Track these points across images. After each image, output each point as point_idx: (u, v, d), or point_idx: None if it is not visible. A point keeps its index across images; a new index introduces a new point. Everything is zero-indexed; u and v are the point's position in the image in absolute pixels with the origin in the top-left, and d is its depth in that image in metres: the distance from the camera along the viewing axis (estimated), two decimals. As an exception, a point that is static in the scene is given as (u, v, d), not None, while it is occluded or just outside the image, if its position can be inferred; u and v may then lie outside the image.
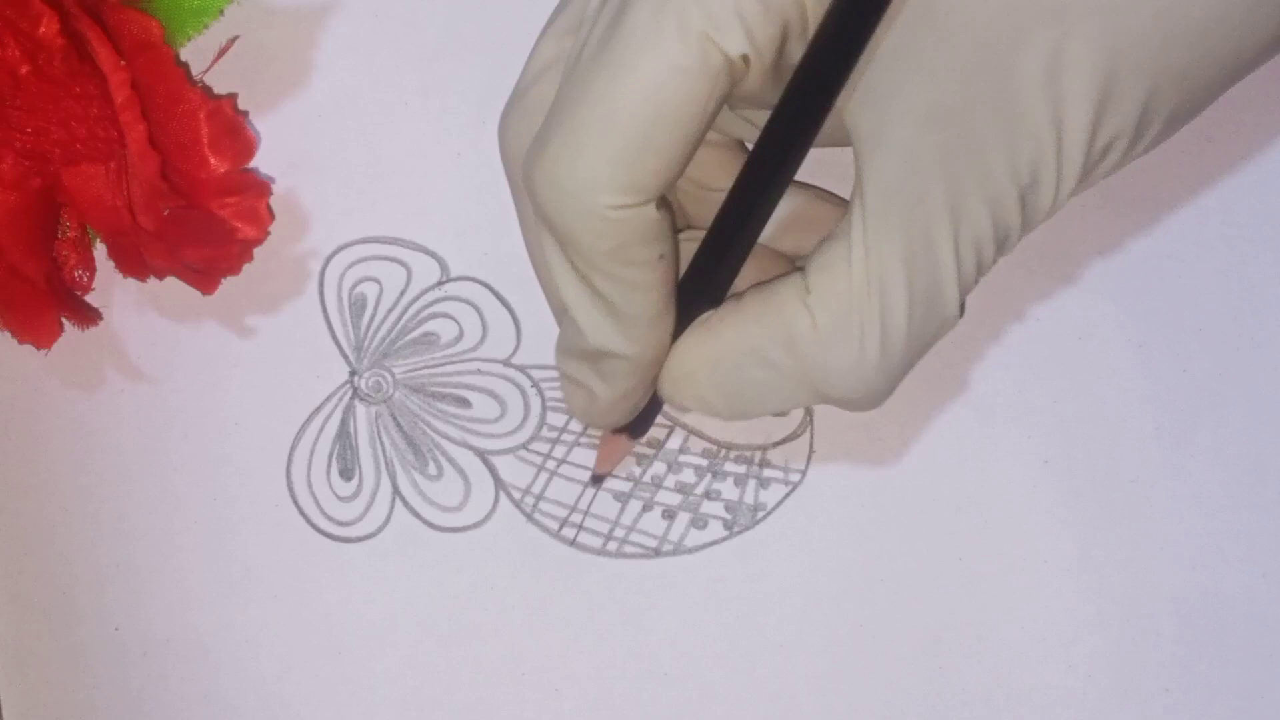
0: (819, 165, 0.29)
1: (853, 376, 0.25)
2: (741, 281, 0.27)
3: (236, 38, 0.34)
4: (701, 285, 0.27)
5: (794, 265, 0.28)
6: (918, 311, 0.25)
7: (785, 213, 0.29)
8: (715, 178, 0.28)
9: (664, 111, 0.23)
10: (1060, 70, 0.23)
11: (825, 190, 0.29)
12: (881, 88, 0.24)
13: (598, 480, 0.35)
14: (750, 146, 0.26)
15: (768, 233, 0.28)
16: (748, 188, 0.25)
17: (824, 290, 0.25)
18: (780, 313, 0.26)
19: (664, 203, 0.25)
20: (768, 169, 0.25)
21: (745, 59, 0.23)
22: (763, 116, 0.25)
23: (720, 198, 0.26)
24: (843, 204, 0.29)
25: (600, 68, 0.23)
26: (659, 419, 0.35)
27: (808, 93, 0.23)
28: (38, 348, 0.33)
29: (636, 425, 0.30)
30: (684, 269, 0.27)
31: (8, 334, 0.33)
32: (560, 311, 0.27)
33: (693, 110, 0.23)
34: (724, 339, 0.26)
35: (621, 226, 0.24)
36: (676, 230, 0.27)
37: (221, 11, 0.34)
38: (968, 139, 0.24)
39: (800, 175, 0.27)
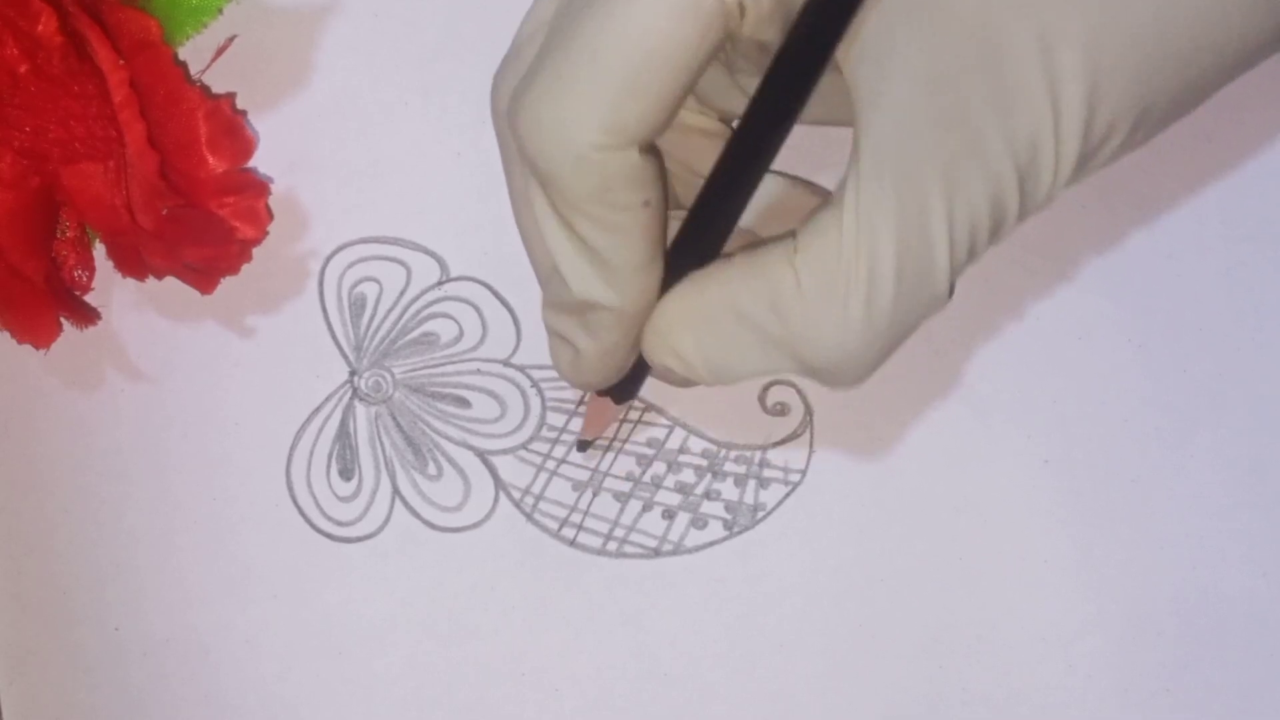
0: (812, 160, 0.29)
1: (833, 340, 0.25)
2: None
3: (235, 37, 0.34)
4: (690, 247, 0.26)
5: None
6: (906, 280, 0.24)
7: (772, 200, 0.29)
8: (707, 164, 0.28)
9: (653, 52, 0.23)
10: (1054, 46, 0.23)
11: (814, 183, 0.29)
12: (881, 44, 0.24)
13: (584, 446, 0.35)
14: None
15: (754, 220, 0.28)
16: (745, 139, 0.25)
17: (812, 250, 0.25)
18: (766, 271, 0.25)
19: (652, 149, 0.25)
20: (765, 119, 0.24)
21: (740, 4, 0.23)
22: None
23: None
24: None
25: (591, 7, 0.23)
26: (660, 419, 0.35)
27: (804, 41, 0.23)
28: (37, 348, 0.33)
29: (622, 389, 0.30)
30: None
31: (7, 334, 0.33)
32: (545, 271, 0.27)
33: (683, 53, 0.23)
34: (707, 293, 0.26)
35: (603, 167, 0.24)
36: (666, 179, 0.27)
37: (221, 10, 0.34)
38: (962, 107, 0.23)
39: (796, 171, 0.27)
